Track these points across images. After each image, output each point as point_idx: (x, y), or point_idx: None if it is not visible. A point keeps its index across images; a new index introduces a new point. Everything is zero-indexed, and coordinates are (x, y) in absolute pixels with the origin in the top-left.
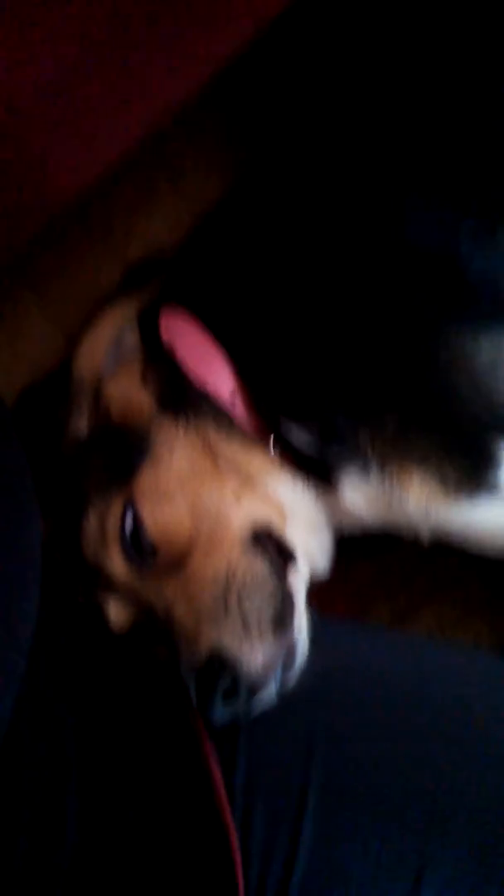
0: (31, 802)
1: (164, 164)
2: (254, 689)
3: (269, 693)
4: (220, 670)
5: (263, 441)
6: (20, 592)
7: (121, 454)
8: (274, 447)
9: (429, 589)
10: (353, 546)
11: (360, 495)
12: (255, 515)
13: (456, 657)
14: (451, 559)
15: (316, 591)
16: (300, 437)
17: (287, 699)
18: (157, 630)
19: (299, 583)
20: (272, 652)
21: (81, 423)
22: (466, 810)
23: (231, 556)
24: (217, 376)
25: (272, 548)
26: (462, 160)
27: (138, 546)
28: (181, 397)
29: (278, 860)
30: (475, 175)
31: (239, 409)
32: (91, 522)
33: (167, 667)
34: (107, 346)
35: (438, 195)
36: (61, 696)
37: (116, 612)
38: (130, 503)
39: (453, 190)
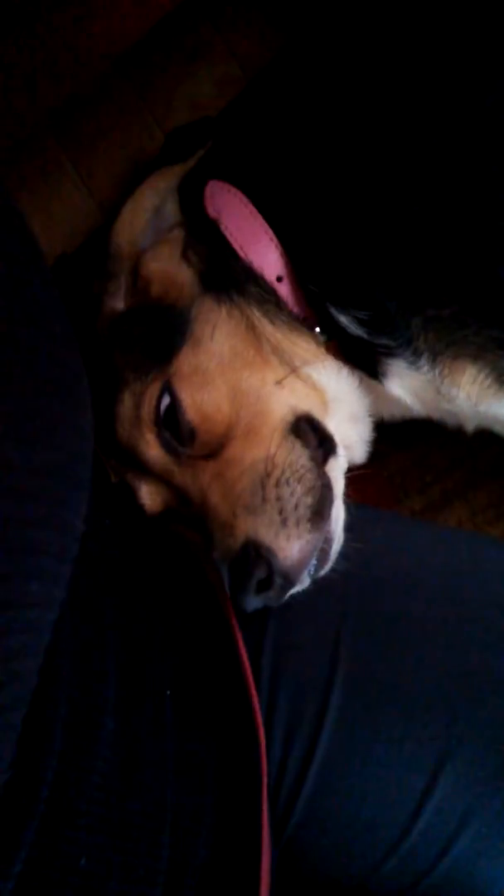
0: (71, 683)
1: (217, 22)
2: (288, 581)
3: (303, 583)
4: (255, 560)
5: (310, 327)
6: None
7: (159, 333)
8: (321, 334)
9: (461, 482)
10: (388, 435)
11: (407, 386)
12: (298, 403)
13: (488, 550)
14: (485, 453)
15: (350, 479)
16: (349, 324)
17: (317, 584)
18: (190, 515)
19: (338, 474)
20: (308, 543)
21: (118, 299)
22: (491, 706)
23: (271, 444)
24: (264, 256)
25: (313, 437)
26: None
27: (175, 430)
28: (226, 276)
29: (301, 740)
30: None
31: (286, 292)
32: (126, 403)
33: (200, 550)
34: (147, 216)
35: None
36: (101, 575)
37: (149, 496)
38: (168, 385)
39: None
